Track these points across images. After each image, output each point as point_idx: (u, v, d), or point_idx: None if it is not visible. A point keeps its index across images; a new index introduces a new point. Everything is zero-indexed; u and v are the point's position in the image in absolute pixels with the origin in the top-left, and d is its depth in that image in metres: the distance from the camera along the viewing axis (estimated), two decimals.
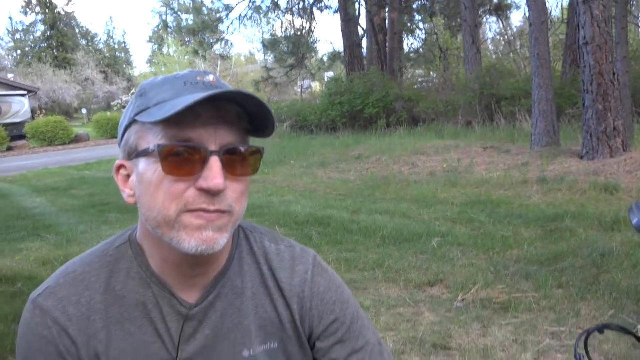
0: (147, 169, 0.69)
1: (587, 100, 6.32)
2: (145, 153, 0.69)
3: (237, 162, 0.70)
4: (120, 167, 0.75)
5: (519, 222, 4.50)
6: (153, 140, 0.69)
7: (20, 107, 22.26)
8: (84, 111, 35.61)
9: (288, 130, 14.19)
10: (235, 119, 0.70)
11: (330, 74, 23.54)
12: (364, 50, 17.36)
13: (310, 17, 17.64)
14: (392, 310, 2.91)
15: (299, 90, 29.18)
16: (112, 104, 36.73)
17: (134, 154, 0.71)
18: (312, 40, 18.44)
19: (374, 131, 12.42)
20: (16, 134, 20.81)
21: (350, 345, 0.85)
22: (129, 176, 0.74)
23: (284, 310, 0.83)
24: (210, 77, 0.73)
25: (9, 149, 20.26)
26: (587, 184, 5.54)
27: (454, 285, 3.17)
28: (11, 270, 3.89)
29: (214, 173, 0.67)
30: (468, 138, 9.66)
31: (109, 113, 26.26)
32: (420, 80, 19.62)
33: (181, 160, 0.67)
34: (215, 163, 0.67)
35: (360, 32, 17.20)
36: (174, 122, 0.65)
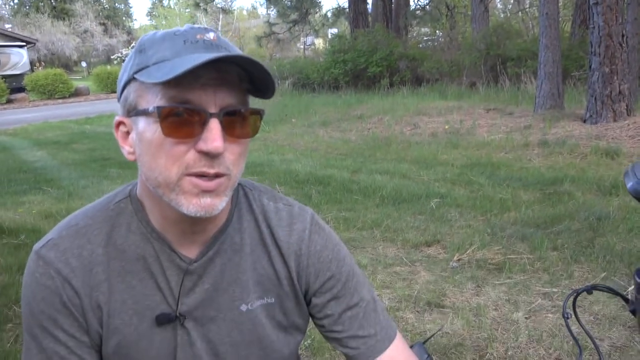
0: (147, 128, 0.69)
1: (594, 62, 6.22)
2: (145, 113, 0.69)
3: (236, 124, 0.70)
4: (120, 123, 0.75)
5: (518, 185, 4.51)
6: (152, 100, 0.68)
7: (19, 59, 21.93)
8: (84, 64, 35.16)
9: (290, 88, 14.03)
10: (236, 80, 0.70)
11: (334, 30, 23.05)
12: (369, 6, 16.92)
13: None
14: (388, 268, 2.97)
15: (302, 47, 28.65)
16: (112, 57, 36.14)
17: (133, 112, 0.71)
18: None
19: (377, 90, 12.28)
20: (15, 86, 20.57)
21: (345, 301, 0.87)
22: (128, 133, 0.74)
23: (281, 266, 0.85)
24: (211, 35, 0.71)
25: (9, 101, 20.09)
26: (588, 147, 5.53)
27: (450, 246, 3.22)
28: (14, 222, 3.94)
29: (213, 135, 0.67)
30: (471, 99, 9.56)
31: (109, 67, 25.88)
32: (425, 39, 19.23)
33: (180, 122, 0.67)
34: (214, 125, 0.67)
35: None
36: (173, 83, 0.64)
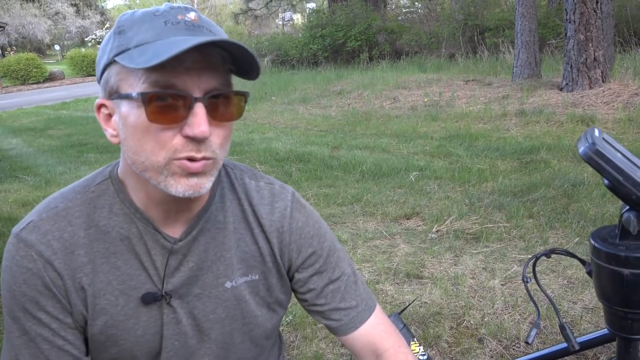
0: (130, 112, 0.69)
1: (569, 30, 6.24)
2: (128, 97, 0.68)
3: (220, 107, 0.71)
4: (101, 106, 0.74)
5: (496, 155, 4.56)
6: (135, 84, 0.67)
7: None
8: (57, 47, 34.25)
9: (269, 65, 13.88)
10: (220, 62, 0.69)
11: (312, 5, 22.73)
12: None
13: None
14: (368, 242, 3.00)
15: (280, 23, 28.22)
16: (86, 39, 35.27)
17: (115, 95, 0.71)
18: None
19: (356, 65, 12.21)
20: None
21: (327, 275, 0.91)
22: (110, 115, 0.74)
23: (264, 244, 0.87)
24: (192, 15, 0.70)
25: None
26: (564, 115, 5.59)
27: (429, 218, 3.26)
28: None
29: (198, 120, 0.67)
30: (450, 71, 9.56)
31: (83, 49, 25.30)
32: (404, 11, 19.05)
33: (165, 107, 0.67)
34: (199, 110, 0.68)
35: None
36: (157, 66, 0.63)
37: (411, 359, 0.93)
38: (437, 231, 3.06)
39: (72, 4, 38.96)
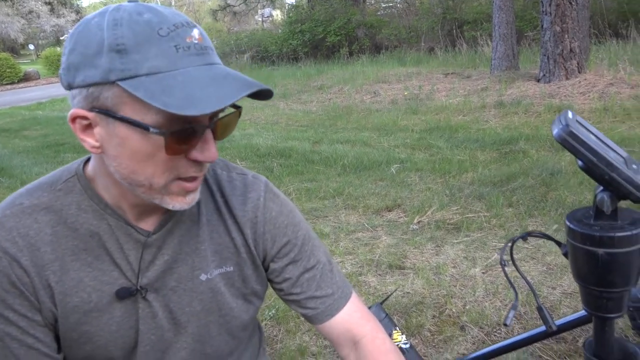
0: (133, 137, 0.65)
1: (546, 21, 6.32)
2: (138, 125, 0.64)
3: (222, 127, 0.72)
4: (80, 117, 0.68)
5: (476, 146, 4.60)
6: (144, 112, 0.64)
7: None
8: (31, 47, 33.56)
9: (249, 62, 13.81)
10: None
11: (291, 0, 22.64)
12: None
13: None
14: (350, 235, 3.00)
15: (260, 19, 28.05)
16: (61, 38, 34.64)
17: (107, 112, 0.65)
18: None
19: (336, 60, 12.21)
20: None
21: (303, 264, 0.90)
22: (90, 125, 0.69)
23: (237, 235, 0.86)
24: (196, 34, 0.66)
25: None
26: (542, 106, 5.66)
27: (410, 209, 3.28)
28: None
29: (209, 146, 0.68)
30: (430, 64, 9.61)
31: (58, 48, 24.82)
32: (384, 5, 19.10)
33: (182, 139, 0.66)
34: (209, 136, 0.68)
35: None
36: None
37: (389, 344, 0.92)
38: (419, 222, 3.08)
39: (46, 3, 38.15)
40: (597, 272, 0.84)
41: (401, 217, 3.22)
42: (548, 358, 1.80)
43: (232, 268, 0.86)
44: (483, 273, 2.42)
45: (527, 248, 2.59)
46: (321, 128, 6.29)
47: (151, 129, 0.64)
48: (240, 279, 0.88)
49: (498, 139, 4.72)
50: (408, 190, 3.66)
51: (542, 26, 6.45)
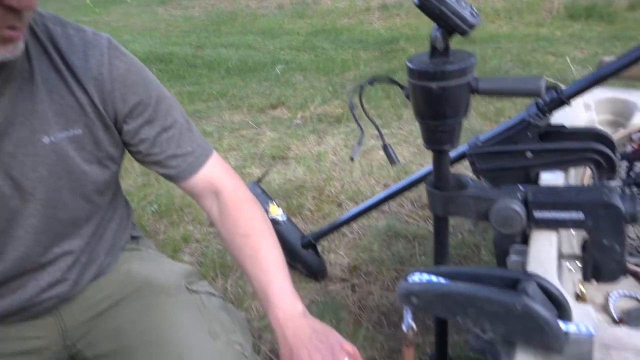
0: None
1: None
2: None
3: None
4: None
5: (359, 47, 4.67)
6: None
7: None
8: None
9: None
10: None
11: None
12: None
13: None
14: (234, 133, 2.99)
15: None
16: None
17: None
18: None
19: None
20: None
21: (159, 123, 0.88)
22: None
23: (81, 95, 0.80)
24: None
25: None
26: None
27: (294, 106, 3.30)
28: None
29: None
30: None
31: None
32: None
33: None
34: None
35: None
36: None
37: (249, 196, 0.96)
38: (302, 117, 3.13)
39: None
40: (432, 106, 0.92)
41: (285, 114, 3.25)
42: (414, 222, 2.00)
43: (80, 131, 0.82)
44: (360, 158, 2.55)
45: (401, 133, 2.77)
46: (204, 33, 5.97)
47: None
48: (91, 141, 0.83)
49: (380, 39, 4.83)
50: (292, 88, 3.67)
51: None
